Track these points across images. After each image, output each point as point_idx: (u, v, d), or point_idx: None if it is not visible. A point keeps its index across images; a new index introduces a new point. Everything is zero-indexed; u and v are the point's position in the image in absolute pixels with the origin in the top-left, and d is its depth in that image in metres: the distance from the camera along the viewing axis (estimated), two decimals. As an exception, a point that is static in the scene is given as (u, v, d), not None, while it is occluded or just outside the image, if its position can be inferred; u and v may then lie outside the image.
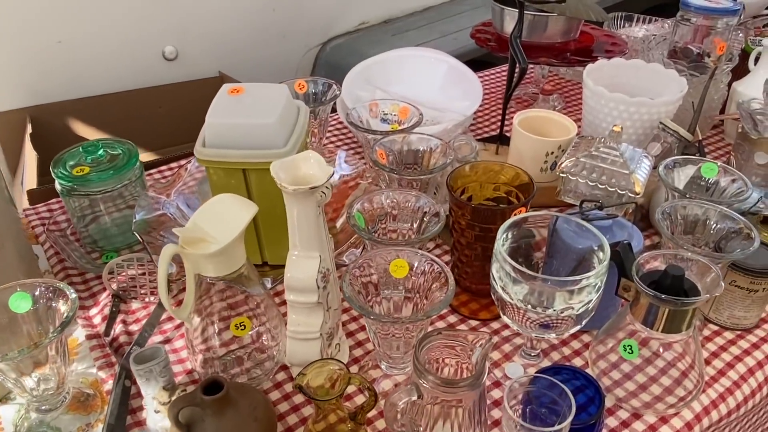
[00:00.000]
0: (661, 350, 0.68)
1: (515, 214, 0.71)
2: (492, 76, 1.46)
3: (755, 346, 0.79)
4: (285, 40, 1.77)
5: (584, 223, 0.66)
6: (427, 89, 1.24)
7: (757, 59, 1.23)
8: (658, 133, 1.03)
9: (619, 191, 0.85)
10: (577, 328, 0.67)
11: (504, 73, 1.47)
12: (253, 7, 1.68)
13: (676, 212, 0.77)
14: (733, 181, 0.86)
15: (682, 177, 0.89)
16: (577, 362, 0.76)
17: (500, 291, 0.65)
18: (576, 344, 0.78)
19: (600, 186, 0.86)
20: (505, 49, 1.26)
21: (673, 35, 1.20)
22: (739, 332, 0.81)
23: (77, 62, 1.49)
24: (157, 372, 0.62)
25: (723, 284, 0.61)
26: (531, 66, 1.46)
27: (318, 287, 0.64)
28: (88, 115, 1.49)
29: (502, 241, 0.65)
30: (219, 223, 0.61)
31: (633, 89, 1.17)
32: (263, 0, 1.69)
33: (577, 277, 0.61)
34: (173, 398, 0.62)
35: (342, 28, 1.88)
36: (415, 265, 0.67)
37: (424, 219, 0.77)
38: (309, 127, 0.82)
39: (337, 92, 1.04)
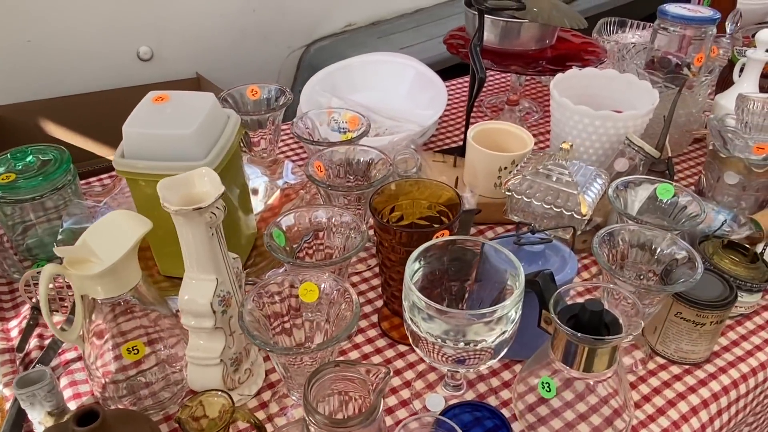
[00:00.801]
0: (591, 384, 0.63)
1: (438, 237, 0.67)
2: (461, 84, 1.41)
3: (702, 383, 0.73)
4: (266, 41, 1.74)
5: (500, 247, 0.62)
6: (393, 96, 1.20)
7: (742, 70, 1.17)
8: (624, 149, 0.98)
9: (564, 212, 0.80)
10: (493, 361, 0.62)
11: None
12: (233, 7, 1.65)
13: (619, 237, 0.72)
14: (689, 202, 0.80)
15: (638, 198, 0.84)
16: (506, 395, 0.71)
17: (409, 322, 0.61)
18: (507, 375, 0.74)
19: (545, 206, 0.81)
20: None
21: (651, 44, 1.14)
22: (687, 367, 0.75)
23: (47, 61, 1.48)
24: (41, 396, 0.59)
25: (642, 322, 0.56)
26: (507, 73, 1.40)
27: (214, 312, 0.60)
28: (58, 115, 1.47)
29: (412, 271, 0.61)
30: (109, 241, 0.58)
31: (606, 101, 1.12)
32: (243, 0, 1.65)
33: (486, 310, 0.57)
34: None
35: (327, 29, 1.84)
36: (322, 287, 0.63)
37: (351, 236, 0.73)
38: (237, 138, 0.79)
39: (290, 98, 1.00)
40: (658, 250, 0.72)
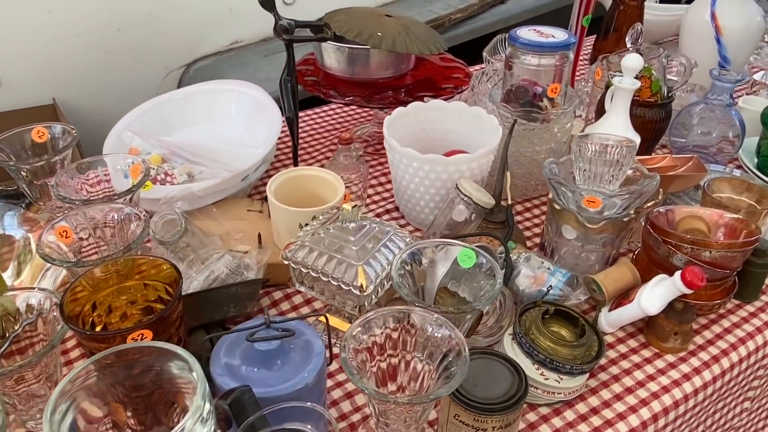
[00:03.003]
0: None
1: (135, 340, 0.54)
2: (328, 113, 1.28)
3: (489, 498, 0.61)
4: (136, 62, 1.59)
5: (176, 350, 0.48)
6: (230, 130, 1.07)
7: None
8: (454, 197, 0.86)
9: (342, 285, 0.68)
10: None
11: (339, 111, 1.30)
12: (92, 26, 1.50)
13: (373, 322, 0.59)
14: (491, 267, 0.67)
15: (441, 266, 0.71)
16: None
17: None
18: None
19: (323, 278, 0.68)
20: (328, 85, 1.09)
21: (507, 72, 1.01)
22: (477, 475, 0.63)
23: None
24: None
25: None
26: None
27: None
28: None
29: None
30: None
31: (457, 137, 1.00)
32: (104, 19, 1.51)
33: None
34: None
35: (211, 47, 1.70)
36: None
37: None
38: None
39: (75, 138, 0.87)
40: (429, 332, 0.59)
